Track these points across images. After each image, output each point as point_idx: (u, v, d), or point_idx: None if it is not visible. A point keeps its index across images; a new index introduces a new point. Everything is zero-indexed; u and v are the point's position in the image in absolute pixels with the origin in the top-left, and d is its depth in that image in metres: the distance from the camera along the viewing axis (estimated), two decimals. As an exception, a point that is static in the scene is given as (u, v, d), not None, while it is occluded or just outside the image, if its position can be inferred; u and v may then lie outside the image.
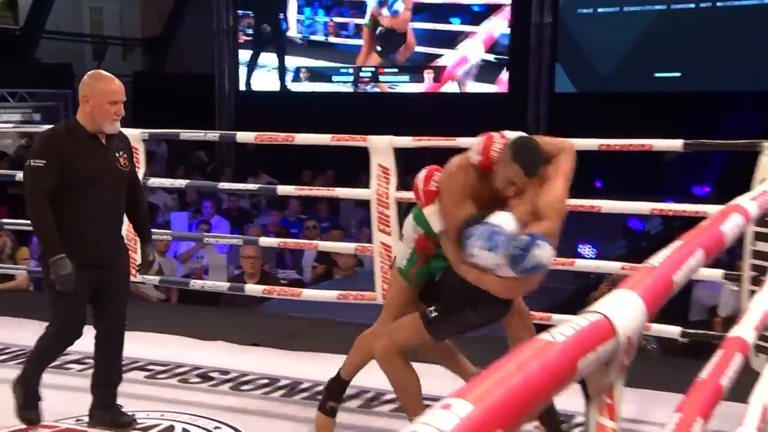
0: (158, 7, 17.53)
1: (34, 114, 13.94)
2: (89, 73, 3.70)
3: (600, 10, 13.46)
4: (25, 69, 14.91)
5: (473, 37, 14.29)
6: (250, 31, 15.84)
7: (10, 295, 6.22)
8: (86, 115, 3.52)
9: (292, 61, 15.55)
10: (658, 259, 1.36)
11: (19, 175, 7.62)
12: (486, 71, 14.37)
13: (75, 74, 15.82)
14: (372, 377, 4.19)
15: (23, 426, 3.62)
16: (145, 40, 18.09)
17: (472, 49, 14.33)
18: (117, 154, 3.62)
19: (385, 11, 14.52)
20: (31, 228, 6.74)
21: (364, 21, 14.80)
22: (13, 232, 6.58)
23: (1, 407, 4.05)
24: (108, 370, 3.75)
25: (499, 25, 14.22)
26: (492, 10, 14.24)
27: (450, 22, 14.49)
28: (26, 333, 5.20)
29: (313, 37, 15.53)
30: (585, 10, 13.56)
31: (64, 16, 16.61)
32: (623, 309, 1.09)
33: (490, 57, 14.35)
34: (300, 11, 15.55)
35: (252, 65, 15.77)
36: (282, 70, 15.55)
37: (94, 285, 3.60)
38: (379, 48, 14.89)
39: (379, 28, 14.65)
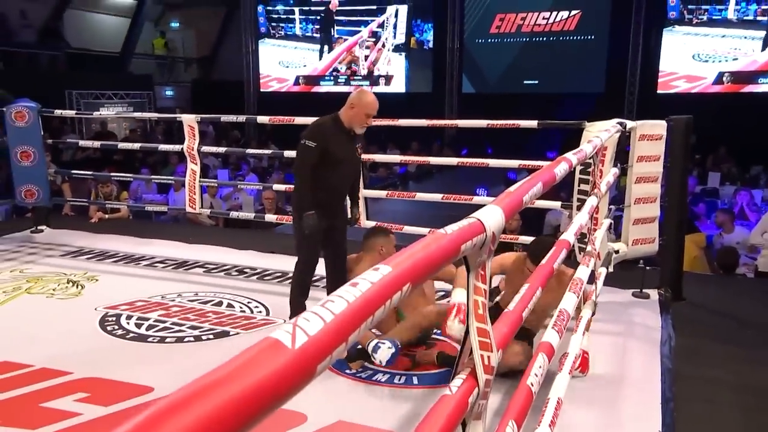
0: (207, 36, 17.20)
1: (128, 107, 13.74)
2: (360, 88, 3.30)
3: (490, 40, 13.43)
4: (123, 78, 14.68)
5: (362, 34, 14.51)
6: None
7: (117, 221, 6.14)
8: (347, 116, 3.18)
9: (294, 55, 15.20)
10: (514, 187, 1.37)
11: (121, 145, 7.51)
12: (417, 78, 14.27)
13: (154, 82, 15.58)
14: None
15: None
16: (199, 58, 17.75)
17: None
18: (357, 146, 3.33)
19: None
20: (129, 178, 6.72)
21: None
22: (118, 182, 6.45)
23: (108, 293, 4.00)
24: (337, 285, 3.42)
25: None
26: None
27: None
28: (126, 244, 5.19)
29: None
30: (480, 40, 13.53)
31: (147, 44, 16.24)
32: (490, 215, 1.10)
33: (379, 45, 14.40)
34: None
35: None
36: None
37: (326, 230, 3.28)
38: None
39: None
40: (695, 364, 3.00)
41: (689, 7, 11.56)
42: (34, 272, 4.36)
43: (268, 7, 15.13)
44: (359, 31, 14.54)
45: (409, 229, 4.61)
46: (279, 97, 15.10)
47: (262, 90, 15.57)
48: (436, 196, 4.73)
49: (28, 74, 12.23)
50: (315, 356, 0.54)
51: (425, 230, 4.60)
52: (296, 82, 15.22)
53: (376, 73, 14.58)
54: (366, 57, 14.61)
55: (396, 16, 14.19)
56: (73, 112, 10.59)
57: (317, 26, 14.91)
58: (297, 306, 3.42)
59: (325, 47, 14.92)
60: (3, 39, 12.44)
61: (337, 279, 3.47)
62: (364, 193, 4.65)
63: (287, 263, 4.66)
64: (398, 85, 14.39)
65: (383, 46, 14.46)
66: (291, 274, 4.38)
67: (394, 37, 14.34)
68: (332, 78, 14.98)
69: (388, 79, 14.44)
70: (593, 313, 2.72)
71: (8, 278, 4.20)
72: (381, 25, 14.39)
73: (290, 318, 3.39)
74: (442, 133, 13.45)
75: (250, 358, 0.50)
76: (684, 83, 11.87)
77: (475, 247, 1.03)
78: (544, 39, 12.89)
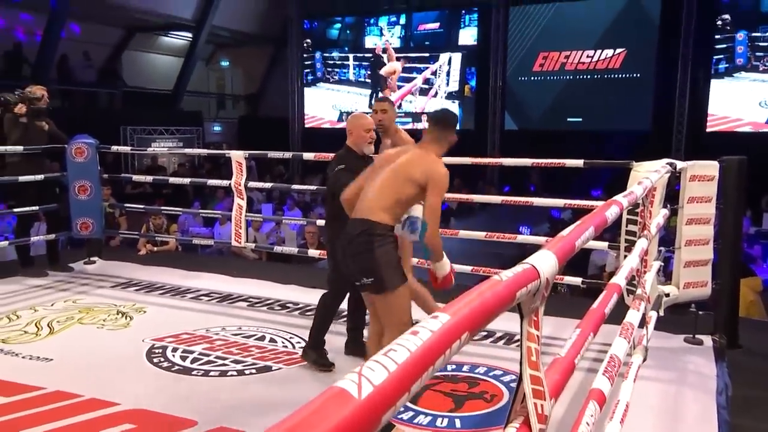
0: (254, 74, 17.76)
1: (179, 142, 14.20)
2: (352, 114, 3.49)
3: (533, 78, 13.47)
4: (174, 114, 15.17)
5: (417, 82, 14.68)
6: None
7: (166, 254, 6.29)
8: (353, 142, 3.30)
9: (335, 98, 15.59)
10: (566, 231, 1.36)
11: (171, 180, 7.75)
12: (429, 102, 14.37)
13: (204, 118, 16.11)
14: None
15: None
16: (246, 95, 18.30)
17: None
18: None
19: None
20: (179, 212, 6.94)
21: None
22: (166, 215, 6.63)
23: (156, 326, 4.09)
24: (359, 320, 3.52)
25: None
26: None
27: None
28: (172, 277, 5.29)
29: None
30: (523, 78, 13.57)
31: (198, 82, 16.88)
32: (544, 261, 1.09)
33: (432, 92, 14.46)
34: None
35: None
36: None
37: None
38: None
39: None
40: (754, 417, 2.85)
41: (757, 54, 11.38)
42: (86, 303, 4.50)
43: (325, 54, 15.63)
44: (413, 78, 14.77)
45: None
46: (322, 132, 15.41)
47: (306, 126, 15.94)
48: (480, 234, 4.71)
49: (87, 112, 12.86)
50: (381, 406, 0.54)
51: (467, 268, 4.57)
52: (340, 119, 15.53)
53: (417, 110, 14.73)
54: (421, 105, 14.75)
55: (449, 64, 14.38)
56: (129, 148, 11.08)
57: (369, 72, 15.27)
58: (318, 339, 3.38)
59: (377, 90, 15.20)
60: (65, 79, 13.15)
61: (361, 315, 3.45)
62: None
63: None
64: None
65: (436, 94, 14.63)
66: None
67: (447, 84, 14.50)
68: (375, 115, 15.23)
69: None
70: (644, 359, 2.63)
71: (62, 308, 4.35)
72: (434, 73, 14.58)
73: (307, 348, 3.37)
74: (484, 170, 13.44)
75: (318, 408, 0.51)
76: (750, 130, 11.61)
77: (529, 294, 1.02)
78: (588, 77, 12.84)
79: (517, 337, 3.68)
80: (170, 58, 16.44)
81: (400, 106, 14.91)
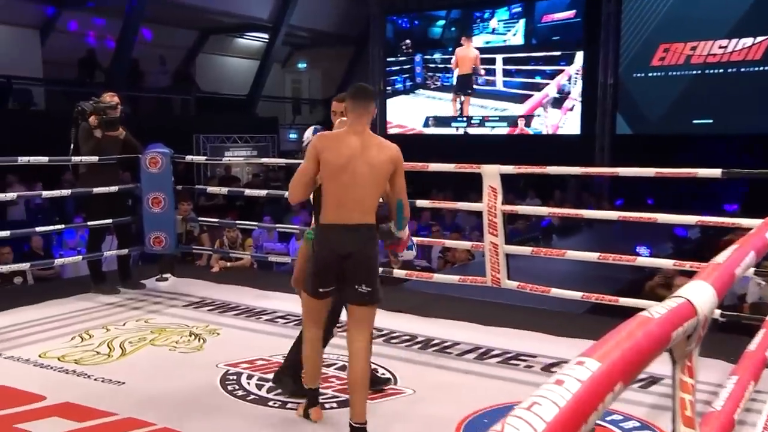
0: (333, 77, 18.16)
1: (253, 151, 14.60)
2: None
3: (651, 74, 12.91)
4: (249, 121, 15.67)
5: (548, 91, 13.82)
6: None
7: (239, 270, 6.47)
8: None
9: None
10: (722, 257, 1.25)
11: (247, 192, 8.00)
12: (564, 118, 13.95)
13: (280, 124, 16.59)
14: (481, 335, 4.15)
15: None
16: (324, 99, 18.73)
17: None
18: None
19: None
20: (253, 226, 7.14)
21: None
22: (241, 230, 6.83)
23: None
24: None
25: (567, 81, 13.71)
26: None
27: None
28: (246, 297, 5.40)
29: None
30: (638, 74, 13.04)
31: (274, 87, 17.39)
32: (701, 295, 1.00)
33: (569, 105, 13.80)
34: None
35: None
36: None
37: None
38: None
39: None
40: None
41: None
42: (158, 323, 4.69)
43: (426, 56, 15.30)
44: (541, 86, 13.50)
45: (556, 291, 4.43)
46: (407, 139, 15.52)
47: (389, 132, 16.07)
48: (592, 255, 4.52)
49: (159, 119, 13.59)
50: (531, 476, 0.49)
51: (577, 294, 4.39)
52: (426, 124, 15.50)
53: (548, 129, 14.14)
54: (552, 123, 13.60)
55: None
56: (203, 158, 11.57)
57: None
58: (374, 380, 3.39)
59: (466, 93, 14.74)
60: (138, 85, 13.98)
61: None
62: (504, 248, 4.56)
63: (417, 324, 4.65)
64: (540, 126, 14.16)
65: (572, 107, 13.28)
66: (420, 338, 4.37)
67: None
68: (465, 120, 15.12)
69: (528, 120, 14.26)
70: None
71: (134, 328, 4.57)
72: (570, 79, 13.28)
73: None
74: (589, 181, 13.01)
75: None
76: None
77: (685, 335, 0.94)
78: (721, 71, 12.14)
79: (638, 376, 3.46)
80: (245, 61, 17.11)
81: (528, 124, 14.19)
